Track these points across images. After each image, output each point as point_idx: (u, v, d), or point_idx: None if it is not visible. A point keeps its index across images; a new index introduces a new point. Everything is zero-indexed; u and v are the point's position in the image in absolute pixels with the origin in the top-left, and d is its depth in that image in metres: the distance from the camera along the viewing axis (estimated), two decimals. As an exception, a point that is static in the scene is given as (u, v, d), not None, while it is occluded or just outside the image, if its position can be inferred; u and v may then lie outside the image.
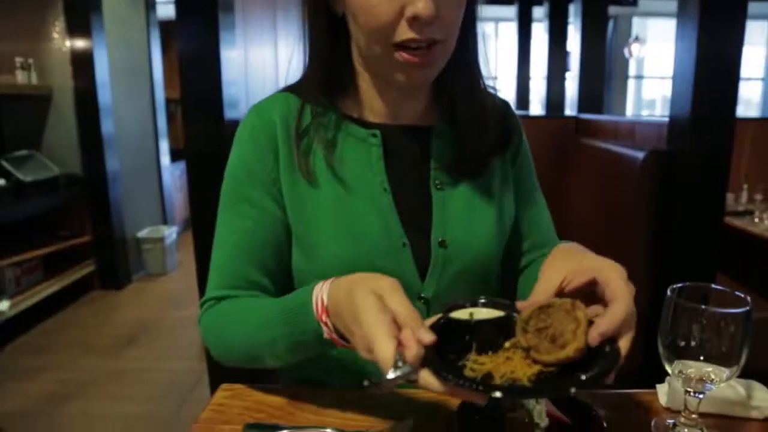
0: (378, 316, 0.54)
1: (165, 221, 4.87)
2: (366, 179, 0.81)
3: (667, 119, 2.26)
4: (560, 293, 0.61)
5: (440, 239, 0.80)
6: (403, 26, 0.69)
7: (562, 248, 0.72)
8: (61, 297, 3.65)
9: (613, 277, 0.58)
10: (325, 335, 0.64)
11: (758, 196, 3.23)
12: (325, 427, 0.66)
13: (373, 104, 0.84)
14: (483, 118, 0.83)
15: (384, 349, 0.52)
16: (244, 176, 0.81)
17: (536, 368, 0.52)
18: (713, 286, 0.61)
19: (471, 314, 0.58)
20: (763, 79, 5.91)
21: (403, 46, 0.70)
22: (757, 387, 0.70)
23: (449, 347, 0.55)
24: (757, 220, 2.93)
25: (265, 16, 2.98)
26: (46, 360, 2.97)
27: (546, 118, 3.71)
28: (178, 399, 2.54)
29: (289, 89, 0.86)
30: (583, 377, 0.50)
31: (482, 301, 0.60)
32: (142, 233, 4.35)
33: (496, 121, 0.86)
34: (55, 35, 3.75)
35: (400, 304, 0.56)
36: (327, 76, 0.81)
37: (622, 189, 2.32)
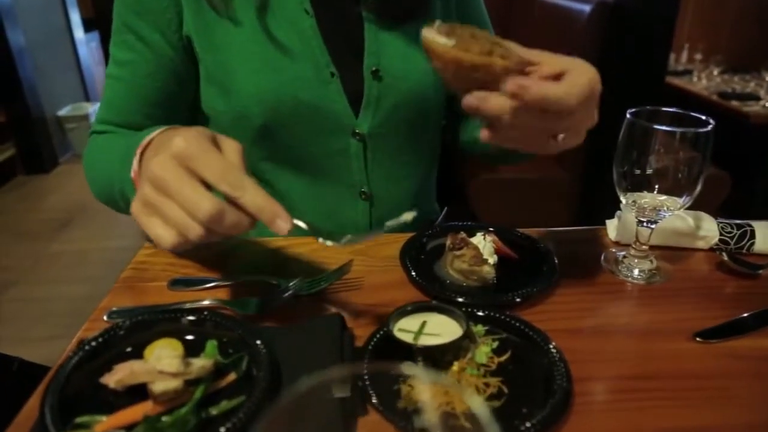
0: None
1: (87, 98, 4.51)
2: (283, 2, 0.69)
3: (616, -29, 2.17)
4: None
5: (374, 68, 0.71)
6: None
7: None
8: (-19, 183, 3.42)
9: (580, 72, 0.50)
10: (132, 173, 0.55)
11: (698, 56, 3.23)
12: (256, 275, 0.61)
13: None
14: None
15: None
16: (132, 3, 0.68)
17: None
18: (674, 109, 0.57)
19: (423, 323, 0.49)
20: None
21: None
22: (705, 218, 0.69)
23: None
24: (695, 79, 2.95)
25: None
26: (-22, 249, 2.83)
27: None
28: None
29: None
30: None
31: (435, 304, 0.51)
32: (63, 112, 4.02)
33: None
34: None
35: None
36: None
37: (567, 43, 2.25)
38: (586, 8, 2.15)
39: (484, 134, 0.51)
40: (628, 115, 0.56)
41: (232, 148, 0.47)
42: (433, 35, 0.50)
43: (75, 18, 4.36)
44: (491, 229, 0.66)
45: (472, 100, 0.48)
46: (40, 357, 0.79)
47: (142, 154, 0.54)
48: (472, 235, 0.63)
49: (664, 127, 0.53)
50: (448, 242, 0.61)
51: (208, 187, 0.44)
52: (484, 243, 0.60)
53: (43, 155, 3.79)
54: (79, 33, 4.42)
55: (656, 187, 0.57)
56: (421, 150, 0.81)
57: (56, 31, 4.19)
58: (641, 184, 0.58)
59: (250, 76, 0.67)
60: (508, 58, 0.49)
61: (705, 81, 2.92)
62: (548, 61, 0.50)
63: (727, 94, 2.61)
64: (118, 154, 0.62)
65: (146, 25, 0.68)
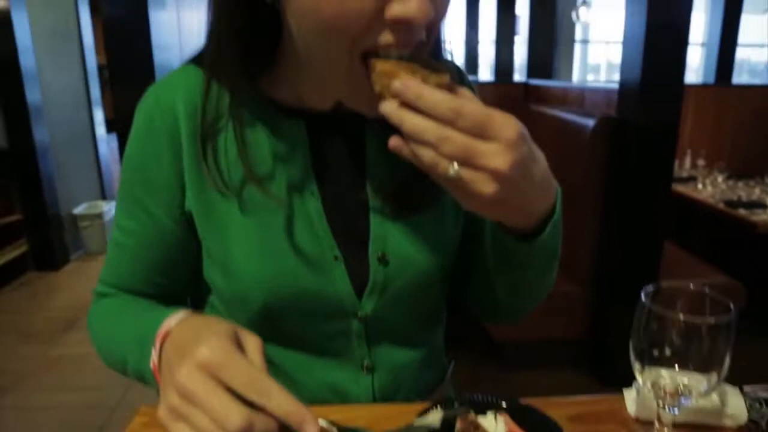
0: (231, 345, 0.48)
1: (103, 196, 4.61)
2: (289, 181, 0.68)
3: (615, 86, 2.25)
4: None
5: (380, 253, 0.69)
6: (378, 26, 0.52)
7: None
8: (-8, 280, 3.42)
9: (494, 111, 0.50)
10: (151, 363, 0.56)
11: (701, 162, 3.28)
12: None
13: (301, 85, 0.67)
14: None
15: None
16: (137, 174, 0.69)
17: None
18: (691, 285, 0.56)
19: None
20: (703, 45, 6.01)
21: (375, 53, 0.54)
22: (731, 393, 0.66)
23: None
24: (700, 186, 2.98)
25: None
26: (-21, 350, 2.79)
27: (495, 84, 3.66)
28: (122, 385, 2.42)
29: (196, 61, 0.69)
30: None
31: None
32: (79, 209, 4.10)
33: None
34: (-33, -4, 3.40)
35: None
36: (242, 48, 0.62)
37: (571, 156, 2.31)
38: (590, 122, 2.21)
39: (392, 140, 0.51)
40: (642, 297, 0.55)
41: (253, 347, 0.49)
42: None
43: (98, 116, 4.56)
44: (503, 405, 0.64)
45: (379, 108, 0.50)
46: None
47: (161, 344, 0.54)
48: (483, 412, 0.61)
49: (681, 316, 0.52)
50: (458, 426, 0.58)
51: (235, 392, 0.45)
52: (495, 425, 0.57)
53: (54, 252, 3.85)
54: (101, 131, 4.60)
55: (676, 365, 0.55)
56: (425, 320, 0.79)
57: (80, 129, 4.37)
58: (660, 362, 0.55)
59: (250, 260, 0.66)
60: (425, 78, 0.50)
61: (710, 188, 2.95)
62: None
63: (734, 203, 2.62)
64: (130, 336, 0.63)
65: (150, 198, 0.68)
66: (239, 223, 0.67)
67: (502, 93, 3.12)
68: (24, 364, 2.65)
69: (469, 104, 0.48)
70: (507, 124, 0.49)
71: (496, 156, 0.48)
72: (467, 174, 0.49)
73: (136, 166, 0.69)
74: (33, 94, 3.61)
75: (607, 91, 2.45)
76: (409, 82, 0.49)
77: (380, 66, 0.52)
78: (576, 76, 9.23)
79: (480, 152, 0.48)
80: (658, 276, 2.20)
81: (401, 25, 0.51)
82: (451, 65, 0.76)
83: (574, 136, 2.32)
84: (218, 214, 0.67)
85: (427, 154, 0.49)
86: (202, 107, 0.65)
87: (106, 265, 0.74)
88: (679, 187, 2.94)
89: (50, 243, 3.82)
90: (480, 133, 0.48)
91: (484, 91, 3.56)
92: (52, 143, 3.83)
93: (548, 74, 3.68)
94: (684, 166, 3.37)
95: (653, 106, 2.12)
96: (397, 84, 0.49)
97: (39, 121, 3.67)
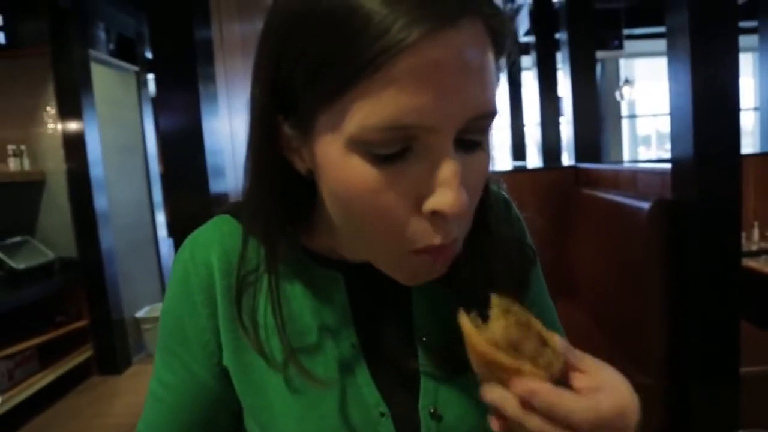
0: None
1: (164, 297, 4.74)
2: (328, 335, 0.63)
3: (667, 166, 2.18)
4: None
5: (432, 408, 0.63)
6: (419, 224, 0.50)
7: None
8: (58, 386, 3.49)
9: (610, 395, 0.48)
10: None
11: (770, 234, 3.12)
12: None
13: (335, 240, 0.64)
14: (486, 266, 0.63)
15: None
16: (174, 328, 0.66)
17: None
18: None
19: None
20: (756, 109, 5.81)
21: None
22: None
23: None
24: (772, 259, 2.82)
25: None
26: (41, 459, 2.82)
27: (544, 170, 3.62)
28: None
29: (233, 211, 0.67)
30: None
31: None
32: (141, 313, 4.23)
33: (503, 257, 0.64)
34: (47, 119, 3.75)
35: None
36: (278, 206, 0.59)
37: (628, 239, 2.23)
38: (645, 205, 2.15)
39: (494, 423, 0.50)
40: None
41: None
42: (469, 324, 0.49)
43: (160, 219, 4.76)
44: None
45: (489, 395, 0.49)
46: None
47: None
48: None
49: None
50: None
51: None
52: None
53: (117, 356, 3.92)
54: (162, 233, 4.78)
55: None
56: None
57: (143, 233, 4.58)
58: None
59: (291, 423, 0.62)
60: (549, 366, 0.47)
61: (784, 260, 2.78)
62: (591, 370, 0.50)
63: (813, 277, 2.44)
64: None
65: (188, 353, 0.65)
66: (276, 383, 0.63)
67: (553, 178, 3.09)
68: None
69: (605, 402, 0.47)
70: (610, 414, 0.47)
71: None
72: None
73: (173, 322, 0.66)
74: (101, 203, 3.84)
75: (661, 173, 2.37)
76: (537, 388, 0.46)
77: (477, 343, 0.48)
78: (626, 151, 9.09)
79: None
80: (738, 362, 2.03)
81: (438, 218, 0.50)
82: (499, 196, 0.71)
83: (629, 219, 2.25)
84: (256, 374, 0.64)
85: None
86: (237, 265, 0.63)
87: (144, 417, 0.69)
88: (750, 263, 2.78)
89: (114, 347, 3.91)
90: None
91: (534, 178, 3.54)
92: (116, 248, 4.00)
93: (597, 156, 3.63)
94: (752, 238, 3.21)
95: (710, 182, 2.02)
96: (523, 388, 0.46)
97: (105, 229, 3.87)
